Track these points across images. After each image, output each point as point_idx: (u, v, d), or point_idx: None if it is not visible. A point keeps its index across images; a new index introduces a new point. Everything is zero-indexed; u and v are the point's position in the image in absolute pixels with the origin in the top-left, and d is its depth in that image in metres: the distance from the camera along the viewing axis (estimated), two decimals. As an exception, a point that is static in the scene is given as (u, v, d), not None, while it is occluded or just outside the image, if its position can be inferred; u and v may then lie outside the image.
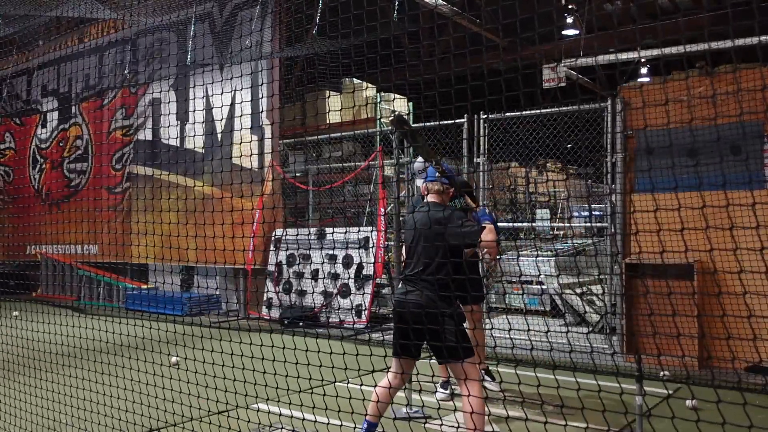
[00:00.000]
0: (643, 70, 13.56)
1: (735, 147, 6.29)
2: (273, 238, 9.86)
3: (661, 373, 5.82)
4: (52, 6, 8.41)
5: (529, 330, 3.93)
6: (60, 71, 13.56)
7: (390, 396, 3.83)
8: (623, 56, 9.08)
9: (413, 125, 4.77)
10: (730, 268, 5.67)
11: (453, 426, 3.39)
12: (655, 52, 8.46)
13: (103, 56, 12.55)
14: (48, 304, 9.89)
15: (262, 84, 9.19)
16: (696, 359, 6.12)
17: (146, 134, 11.76)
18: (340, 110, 10.35)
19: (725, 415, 2.35)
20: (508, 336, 6.26)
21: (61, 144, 13.44)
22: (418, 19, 8.75)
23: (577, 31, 12.16)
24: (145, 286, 11.32)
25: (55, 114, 13.58)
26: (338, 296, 8.97)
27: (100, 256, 12.09)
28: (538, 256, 9.79)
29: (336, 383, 3.83)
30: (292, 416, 4.24)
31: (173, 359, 5.95)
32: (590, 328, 7.75)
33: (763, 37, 6.29)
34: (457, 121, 7.93)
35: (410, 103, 11.29)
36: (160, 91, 11.21)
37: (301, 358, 3.81)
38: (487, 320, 8.09)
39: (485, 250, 3.85)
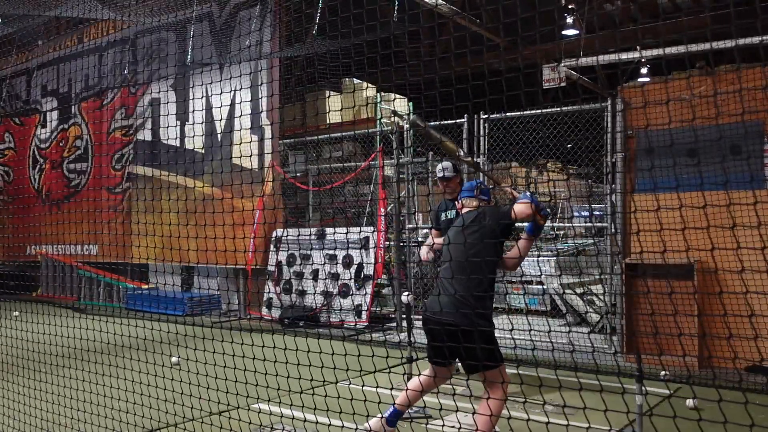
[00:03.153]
0: (643, 70, 13.55)
1: (735, 146, 6.29)
2: (273, 238, 9.85)
3: (662, 373, 5.82)
4: (51, 5, 8.41)
5: (531, 330, 3.93)
6: (60, 71, 13.56)
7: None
8: (623, 56, 9.07)
9: (429, 124, 4.80)
10: (730, 267, 5.67)
11: (454, 426, 3.38)
12: (656, 51, 8.46)
13: (102, 56, 12.54)
14: (48, 304, 9.89)
15: (262, 84, 9.18)
16: (696, 359, 6.11)
17: (146, 134, 11.75)
18: (341, 110, 10.34)
19: (725, 415, 2.35)
20: (509, 336, 6.25)
21: (60, 144, 13.43)
22: (418, 19, 8.74)
23: (577, 31, 12.15)
24: (145, 286, 11.31)
25: (55, 114, 13.58)
26: (338, 296, 8.96)
27: (100, 256, 12.09)
28: (539, 256, 9.79)
29: (337, 383, 3.83)
30: (293, 417, 4.24)
31: (173, 359, 5.94)
32: (591, 328, 7.74)
33: (765, 37, 6.28)
34: (458, 121, 7.92)
35: (410, 103, 11.28)
36: (159, 91, 11.20)
37: (301, 358, 3.81)
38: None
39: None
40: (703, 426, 2.60)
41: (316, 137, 10.56)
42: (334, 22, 4.25)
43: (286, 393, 3.88)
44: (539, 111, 7.52)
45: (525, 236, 3.88)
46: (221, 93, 9.52)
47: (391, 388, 3.86)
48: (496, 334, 3.79)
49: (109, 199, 12.02)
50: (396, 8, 7.79)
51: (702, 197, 4.88)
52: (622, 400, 2.98)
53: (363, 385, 4.00)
